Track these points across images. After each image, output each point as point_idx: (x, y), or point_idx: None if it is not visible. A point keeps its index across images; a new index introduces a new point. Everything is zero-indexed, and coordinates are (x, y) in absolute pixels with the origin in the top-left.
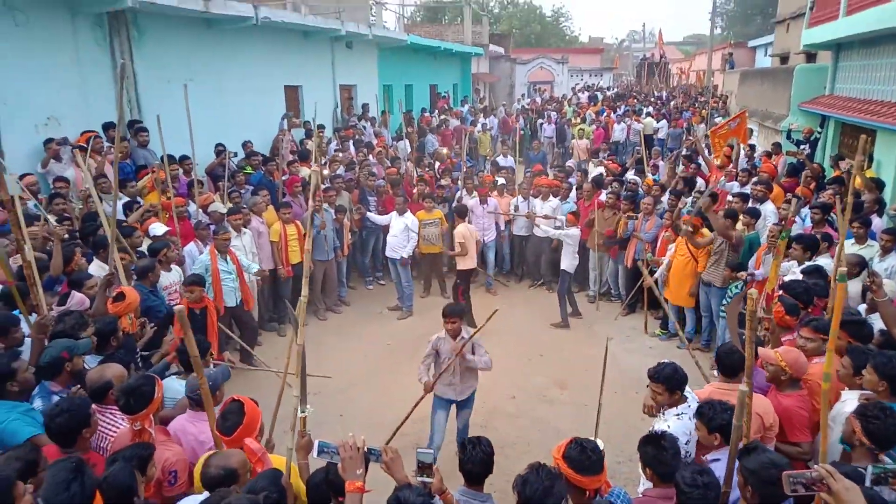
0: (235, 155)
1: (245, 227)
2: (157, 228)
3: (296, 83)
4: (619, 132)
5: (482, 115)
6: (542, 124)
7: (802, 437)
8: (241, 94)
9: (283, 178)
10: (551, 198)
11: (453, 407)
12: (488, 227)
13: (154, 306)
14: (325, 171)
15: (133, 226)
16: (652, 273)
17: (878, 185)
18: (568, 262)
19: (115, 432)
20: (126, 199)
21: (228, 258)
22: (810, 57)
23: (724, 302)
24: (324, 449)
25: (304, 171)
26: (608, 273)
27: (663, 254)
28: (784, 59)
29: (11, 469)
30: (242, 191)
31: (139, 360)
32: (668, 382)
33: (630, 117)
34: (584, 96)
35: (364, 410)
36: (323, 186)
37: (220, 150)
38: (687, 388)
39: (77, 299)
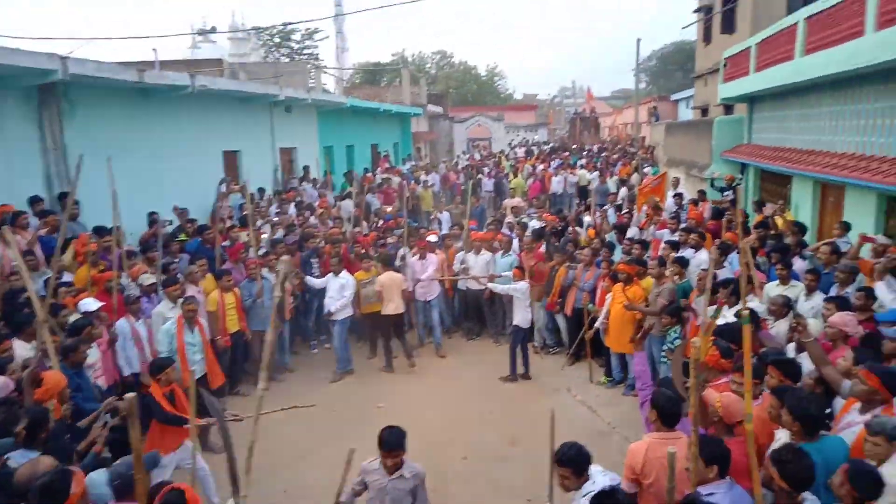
0: (170, 223)
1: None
2: (89, 304)
3: (234, 148)
4: (556, 185)
5: (423, 172)
6: (481, 179)
7: (746, 483)
8: (177, 161)
9: (225, 244)
10: (484, 252)
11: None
12: (429, 284)
13: (81, 389)
14: (265, 235)
15: (62, 303)
16: (593, 323)
17: (801, 228)
18: (520, 316)
19: None
20: (49, 274)
21: (196, 329)
22: (728, 108)
23: (665, 348)
24: None
25: (245, 236)
26: (542, 324)
27: (603, 304)
28: (704, 111)
29: None
30: (177, 260)
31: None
32: (574, 464)
33: (566, 170)
34: (520, 151)
35: (310, 485)
36: (262, 251)
37: (154, 218)
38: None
39: (0, 383)
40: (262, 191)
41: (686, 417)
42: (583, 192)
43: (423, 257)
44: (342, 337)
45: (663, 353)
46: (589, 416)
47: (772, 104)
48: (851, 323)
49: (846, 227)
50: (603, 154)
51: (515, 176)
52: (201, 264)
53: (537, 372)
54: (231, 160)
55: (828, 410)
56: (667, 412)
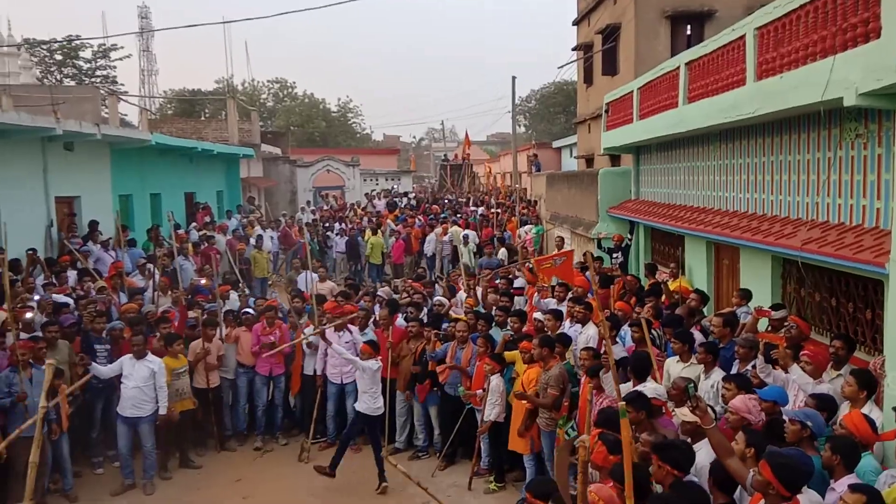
0: None
1: None
2: None
3: None
4: (430, 244)
5: (257, 227)
6: (330, 236)
7: None
8: None
9: None
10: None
11: None
12: (346, 363)
13: None
14: (30, 315)
15: None
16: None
17: (702, 297)
18: (363, 401)
19: None
20: None
21: None
22: (615, 159)
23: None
24: None
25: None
26: (416, 418)
27: (479, 385)
28: (590, 160)
29: None
30: None
31: None
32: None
33: (438, 226)
34: (380, 203)
35: None
36: (26, 336)
37: None
38: None
39: None
40: (33, 250)
41: None
42: (454, 252)
43: (339, 329)
44: (153, 438)
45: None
46: None
47: (659, 155)
48: (754, 408)
49: (746, 296)
50: (479, 209)
51: (375, 233)
52: None
53: (402, 481)
54: None
55: None
56: None
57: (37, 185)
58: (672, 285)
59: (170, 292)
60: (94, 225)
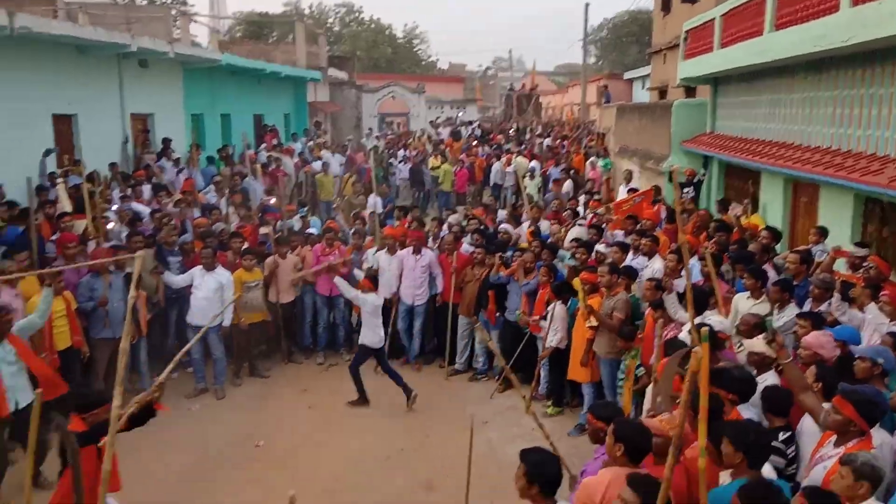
0: None
1: None
2: None
3: (69, 111)
4: (498, 173)
5: (324, 151)
6: (393, 163)
7: None
8: None
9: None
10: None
11: None
12: (421, 285)
13: None
14: (111, 224)
15: None
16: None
17: (775, 234)
18: (367, 333)
19: None
20: None
21: (7, 343)
22: (690, 91)
23: (621, 376)
24: None
25: (80, 226)
26: (476, 342)
27: (540, 312)
28: (663, 92)
29: None
30: None
31: None
32: (542, 482)
33: (504, 156)
34: (445, 132)
35: None
36: (107, 245)
37: None
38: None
39: None
40: (114, 165)
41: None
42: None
43: (417, 251)
44: (223, 347)
45: (620, 381)
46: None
47: (739, 87)
48: (829, 344)
49: (824, 234)
50: (545, 140)
51: (445, 160)
52: (21, 259)
53: (460, 400)
54: (64, 127)
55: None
56: (635, 446)
57: (113, 101)
58: (744, 222)
59: (241, 210)
60: (166, 142)
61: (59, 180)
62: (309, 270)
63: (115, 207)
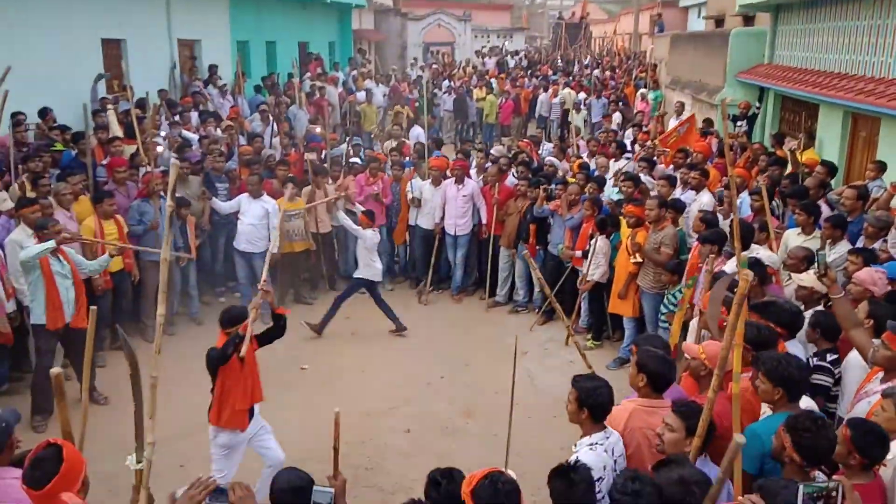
0: (36, 127)
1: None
2: None
3: (117, 36)
4: (544, 105)
5: (367, 81)
6: (437, 94)
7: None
8: (40, 51)
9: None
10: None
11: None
12: (464, 215)
13: None
14: (160, 149)
15: None
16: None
17: (830, 168)
18: (363, 267)
19: None
20: None
21: (61, 258)
22: (748, 20)
23: (666, 310)
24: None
25: (130, 151)
26: (517, 275)
27: (583, 246)
28: (719, 21)
29: None
30: (47, 175)
31: None
32: (592, 406)
33: (551, 87)
34: (490, 62)
35: (209, 460)
36: (156, 170)
37: (20, 119)
38: None
39: None
40: (164, 92)
41: (677, 385)
42: (565, 115)
43: (460, 181)
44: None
45: (663, 315)
46: (560, 385)
47: (801, 14)
48: (880, 281)
49: (882, 168)
50: (595, 72)
51: (490, 91)
52: (75, 182)
53: (500, 332)
54: (112, 51)
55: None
56: (658, 376)
57: (160, 26)
58: (800, 157)
59: (285, 139)
60: (213, 69)
61: (110, 106)
62: (318, 202)
63: (163, 133)
